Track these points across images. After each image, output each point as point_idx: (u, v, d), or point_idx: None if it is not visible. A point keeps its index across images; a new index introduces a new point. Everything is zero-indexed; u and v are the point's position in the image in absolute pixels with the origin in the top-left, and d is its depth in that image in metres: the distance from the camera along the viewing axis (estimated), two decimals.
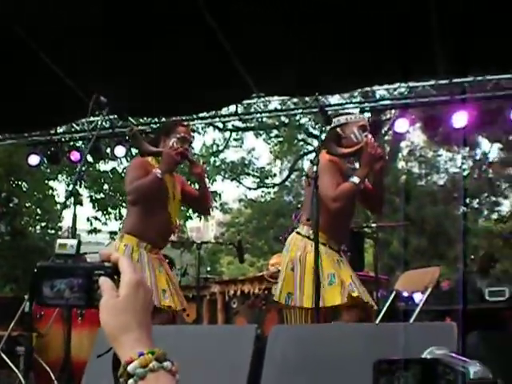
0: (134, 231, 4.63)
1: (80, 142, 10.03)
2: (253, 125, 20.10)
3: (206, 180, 5.34)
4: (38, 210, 17.11)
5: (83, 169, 5.19)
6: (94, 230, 16.51)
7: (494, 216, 20.47)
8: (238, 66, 7.00)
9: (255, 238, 23.57)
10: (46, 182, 16.90)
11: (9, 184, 15.99)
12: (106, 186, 16.37)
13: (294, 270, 4.14)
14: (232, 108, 8.82)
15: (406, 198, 17.93)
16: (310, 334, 3.07)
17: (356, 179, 4.13)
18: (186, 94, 7.45)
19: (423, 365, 1.33)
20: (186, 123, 5.35)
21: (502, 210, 20.30)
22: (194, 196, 4.99)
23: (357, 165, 4.41)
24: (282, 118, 18.91)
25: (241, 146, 23.18)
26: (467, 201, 19.01)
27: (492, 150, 20.73)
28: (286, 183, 23.33)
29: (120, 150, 8.81)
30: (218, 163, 21.84)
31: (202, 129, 18.24)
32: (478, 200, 20.01)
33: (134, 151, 8.62)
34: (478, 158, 19.66)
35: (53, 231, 17.01)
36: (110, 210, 16.18)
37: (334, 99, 11.95)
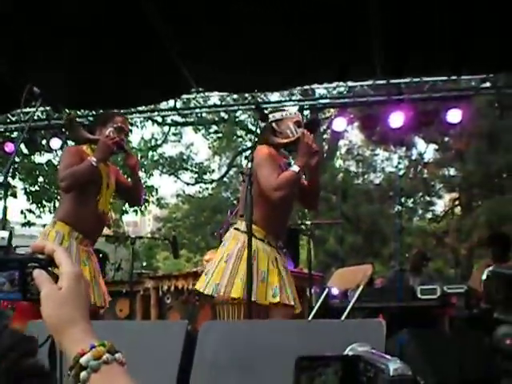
0: (67, 219, 4.56)
1: (16, 134, 9.84)
2: (192, 120, 20.05)
3: (139, 172, 5.29)
4: None
5: (16, 160, 5.10)
6: (28, 223, 16.19)
7: (429, 215, 20.83)
8: (177, 61, 6.96)
9: (192, 233, 23.49)
10: None
11: None
12: (41, 179, 16.04)
13: (227, 261, 4.12)
14: (171, 102, 8.78)
15: (342, 196, 18.11)
16: (241, 330, 3.06)
17: (296, 167, 4.13)
18: (124, 88, 7.38)
19: (344, 361, 1.34)
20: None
21: (435, 210, 20.67)
22: (127, 187, 4.97)
23: (292, 161, 4.42)
24: (222, 114, 18.89)
25: (179, 141, 23.09)
26: (402, 200, 19.30)
27: (428, 150, 21.12)
28: (225, 179, 23.32)
29: (56, 142, 8.67)
30: (156, 158, 21.69)
31: (141, 123, 18.09)
32: (412, 199, 20.32)
33: (70, 143, 8.50)
34: (413, 158, 19.96)
35: None
36: (44, 202, 15.86)
37: (274, 97, 11.99)
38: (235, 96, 8.70)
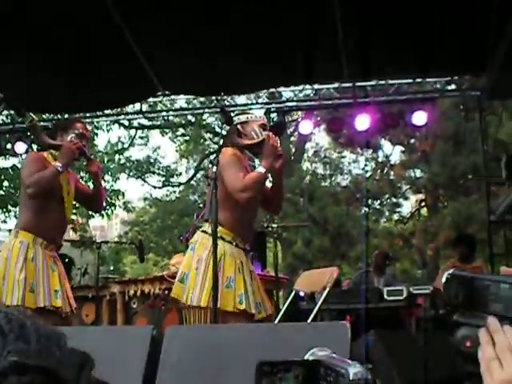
0: (30, 227, 4.53)
1: None
2: (159, 123, 19.97)
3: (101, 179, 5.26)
4: None
5: None
6: None
7: (395, 217, 20.94)
8: (143, 64, 6.93)
9: (159, 237, 23.38)
10: None
11: None
12: (6, 183, 15.91)
13: (197, 269, 4.10)
14: (137, 106, 8.74)
15: (309, 198, 18.16)
16: (206, 335, 3.06)
17: (261, 169, 4.12)
18: (90, 91, 7.33)
19: (305, 366, 1.34)
20: (83, 120, 5.30)
21: (402, 211, 20.79)
22: (87, 194, 4.95)
23: (257, 162, 4.42)
24: (189, 117, 18.87)
25: (146, 144, 22.93)
26: (369, 202, 19.42)
27: (394, 152, 21.23)
28: (192, 182, 23.24)
29: (21, 147, 8.57)
30: (122, 161, 21.53)
31: (107, 126, 17.97)
32: (379, 201, 20.42)
33: (36, 147, 8.44)
34: (380, 160, 20.06)
35: None
36: (10, 207, 15.73)
37: (241, 99, 12.02)
38: (202, 99, 8.65)
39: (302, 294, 6.56)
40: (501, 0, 5.73)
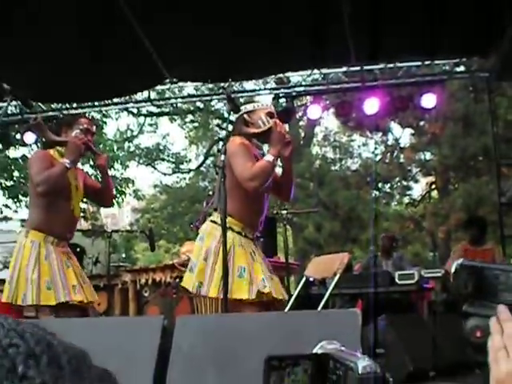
0: (40, 225, 4.54)
1: None
2: (167, 110, 19.95)
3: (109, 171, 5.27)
4: None
5: None
6: (5, 218, 16.13)
7: (406, 200, 20.88)
8: (150, 51, 6.92)
9: (170, 224, 23.38)
10: None
11: None
12: (16, 173, 15.95)
13: (206, 260, 4.09)
14: (146, 93, 8.73)
15: (319, 182, 18.12)
16: (217, 324, 3.06)
17: (270, 157, 4.11)
18: (98, 80, 7.33)
19: (314, 360, 1.34)
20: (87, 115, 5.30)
21: (412, 194, 20.71)
22: (97, 188, 4.96)
23: (265, 150, 4.40)
24: (197, 104, 18.84)
25: (155, 132, 22.97)
26: (379, 185, 19.36)
27: (403, 135, 21.15)
28: (202, 168, 23.19)
29: (30, 137, 8.58)
30: (132, 149, 21.56)
31: (116, 114, 17.98)
32: (389, 184, 20.34)
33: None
34: (389, 143, 19.98)
35: None
36: (20, 197, 15.77)
37: (249, 85, 11.96)
38: (210, 85, 8.63)
39: (313, 279, 6.57)
40: None
